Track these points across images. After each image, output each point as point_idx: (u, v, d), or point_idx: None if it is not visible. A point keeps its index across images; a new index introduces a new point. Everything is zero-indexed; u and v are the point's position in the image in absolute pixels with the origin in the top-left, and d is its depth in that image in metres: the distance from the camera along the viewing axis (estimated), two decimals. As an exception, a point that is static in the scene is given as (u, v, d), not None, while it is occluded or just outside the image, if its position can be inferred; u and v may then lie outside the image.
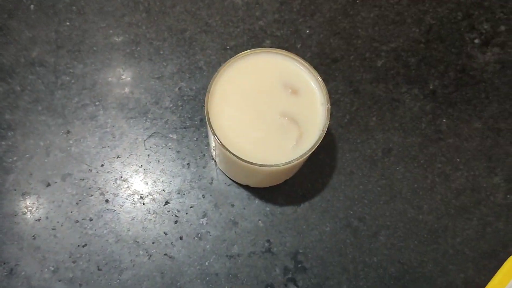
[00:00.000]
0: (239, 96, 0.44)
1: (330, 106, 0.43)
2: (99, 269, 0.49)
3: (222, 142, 0.42)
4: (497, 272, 0.50)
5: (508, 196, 0.53)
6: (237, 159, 0.42)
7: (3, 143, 0.52)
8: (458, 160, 0.54)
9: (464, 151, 0.54)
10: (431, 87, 0.57)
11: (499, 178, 0.54)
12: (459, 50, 0.58)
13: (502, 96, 0.57)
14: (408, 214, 0.52)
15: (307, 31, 0.58)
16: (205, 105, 0.43)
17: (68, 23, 0.57)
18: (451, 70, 0.57)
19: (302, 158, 0.42)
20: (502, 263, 0.51)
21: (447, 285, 0.50)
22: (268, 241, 0.51)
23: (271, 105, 0.44)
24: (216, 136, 0.42)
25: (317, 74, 0.44)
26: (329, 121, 0.43)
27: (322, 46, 0.57)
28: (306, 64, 0.44)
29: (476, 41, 0.59)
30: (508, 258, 0.50)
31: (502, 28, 0.59)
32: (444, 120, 0.55)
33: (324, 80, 0.44)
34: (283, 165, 0.42)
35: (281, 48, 0.45)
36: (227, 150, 0.42)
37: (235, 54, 0.45)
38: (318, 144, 0.42)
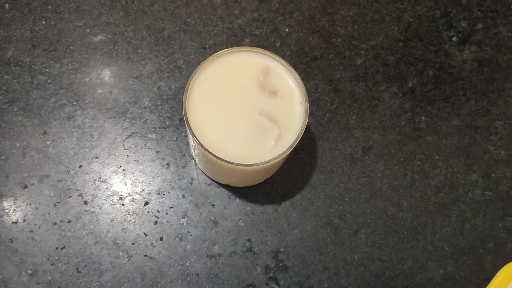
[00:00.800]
0: (217, 95, 0.44)
1: (308, 104, 0.43)
2: (78, 272, 0.49)
3: (201, 142, 0.42)
4: (489, 284, 0.50)
5: (486, 192, 0.54)
6: (216, 159, 0.41)
7: (-22, 144, 0.51)
8: (436, 157, 0.55)
9: (442, 148, 0.55)
10: (410, 85, 0.57)
11: (477, 175, 0.54)
12: (437, 48, 0.59)
13: (479, 93, 0.57)
14: (388, 212, 0.53)
15: (286, 30, 0.58)
16: (183, 104, 0.43)
17: (43, 22, 0.56)
18: (430, 68, 0.58)
19: (281, 157, 0.42)
20: (481, 259, 0.51)
21: (426, 281, 0.51)
22: (249, 240, 0.51)
23: (249, 104, 0.44)
24: (195, 136, 0.42)
25: (295, 72, 0.44)
26: (309, 120, 0.43)
27: (301, 44, 0.57)
28: (284, 62, 0.44)
29: (454, 39, 0.59)
30: (499, 270, 0.50)
31: (479, 26, 0.60)
32: (423, 118, 0.56)
33: (303, 78, 0.44)
34: (262, 164, 0.41)
35: (260, 47, 0.45)
36: (206, 150, 0.41)
37: (214, 53, 0.44)
38: (297, 143, 0.42)
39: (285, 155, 0.42)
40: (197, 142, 0.42)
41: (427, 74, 0.58)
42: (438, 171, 0.54)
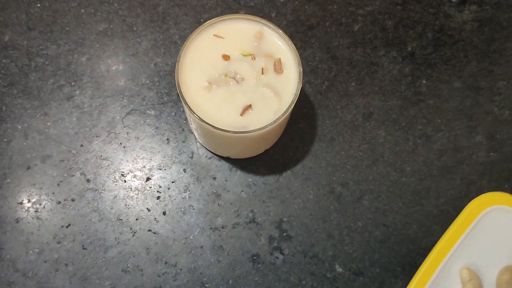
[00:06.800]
0: (212, 65, 0.44)
1: (301, 69, 0.43)
2: (84, 249, 0.49)
3: (196, 113, 0.41)
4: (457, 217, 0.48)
5: (490, 154, 0.53)
6: (213, 129, 0.41)
7: (-21, 128, 0.52)
8: (439, 120, 0.54)
9: (444, 111, 0.54)
10: (409, 49, 0.56)
11: (481, 137, 0.53)
12: (436, 10, 0.57)
13: (480, 54, 0.56)
14: (391, 177, 0.52)
15: (282, -1, 0.57)
16: (175, 76, 0.42)
17: (38, 4, 0.56)
18: (429, 31, 0.57)
19: (277, 123, 0.42)
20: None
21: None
22: (252, 211, 0.51)
23: (246, 71, 0.43)
24: (189, 107, 0.42)
25: (286, 36, 0.43)
26: (307, 89, 0.42)
27: (297, 13, 0.57)
28: (274, 27, 0.44)
29: None
30: (468, 203, 0.48)
31: (479, -15, 0.59)
32: (423, 82, 0.55)
33: (300, 47, 0.43)
34: (259, 130, 0.41)
35: (255, 18, 0.45)
36: (202, 120, 0.41)
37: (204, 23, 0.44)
38: (292, 107, 0.42)
39: (280, 120, 0.42)
40: (195, 116, 0.41)
41: (427, 37, 0.57)
42: (441, 134, 0.53)
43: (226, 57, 0.44)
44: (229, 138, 0.43)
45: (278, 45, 0.44)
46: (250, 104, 0.42)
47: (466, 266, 0.45)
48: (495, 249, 0.45)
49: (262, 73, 0.43)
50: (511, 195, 0.46)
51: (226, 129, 0.41)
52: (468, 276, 0.44)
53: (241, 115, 0.42)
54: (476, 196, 0.51)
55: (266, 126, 0.41)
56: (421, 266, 0.45)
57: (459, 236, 0.45)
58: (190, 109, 0.41)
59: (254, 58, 0.44)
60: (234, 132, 0.41)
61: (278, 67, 0.43)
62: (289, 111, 0.42)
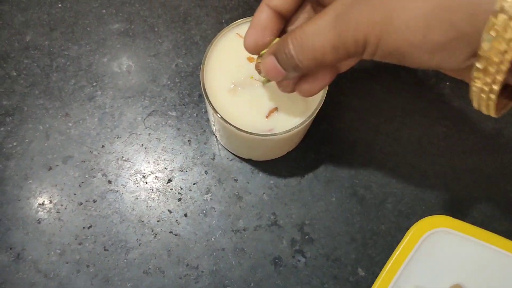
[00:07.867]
0: (236, 67, 0.43)
1: (328, 71, 0.42)
2: (105, 250, 0.49)
3: (221, 114, 0.41)
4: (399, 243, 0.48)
5: (516, 157, 0.52)
6: (237, 130, 0.41)
7: (1, 129, 0.52)
8: (463, 123, 0.53)
9: (469, 113, 0.53)
10: (433, 50, 0.55)
11: (506, 140, 0.53)
12: (461, 10, 0.57)
13: (506, 55, 0.55)
14: (415, 180, 0.51)
15: (304, 0, 0.57)
16: (201, 78, 0.42)
17: (60, 5, 0.56)
18: (453, 32, 0.56)
19: (303, 126, 0.41)
20: (512, 225, 0.50)
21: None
22: (274, 214, 0.50)
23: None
24: (214, 109, 0.41)
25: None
26: (330, 90, 0.42)
27: (319, 14, 0.56)
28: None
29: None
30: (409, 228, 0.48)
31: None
32: (447, 83, 0.54)
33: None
34: (283, 133, 0.41)
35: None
36: (226, 121, 0.41)
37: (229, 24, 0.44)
38: (318, 110, 0.41)
39: (306, 123, 0.41)
40: (221, 118, 0.41)
41: (451, 38, 0.56)
42: (465, 136, 0.53)
43: (251, 59, 0.43)
44: (254, 141, 0.42)
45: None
46: (276, 107, 0.42)
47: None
48: (440, 270, 0.46)
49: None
50: (450, 218, 0.47)
51: (252, 131, 0.41)
52: None
53: (267, 117, 0.42)
54: (501, 200, 0.51)
55: (293, 129, 0.41)
56: None
57: (403, 260, 0.46)
58: (216, 112, 0.41)
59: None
60: (260, 135, 0.41)
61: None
62: (315, 113, 0.41)
